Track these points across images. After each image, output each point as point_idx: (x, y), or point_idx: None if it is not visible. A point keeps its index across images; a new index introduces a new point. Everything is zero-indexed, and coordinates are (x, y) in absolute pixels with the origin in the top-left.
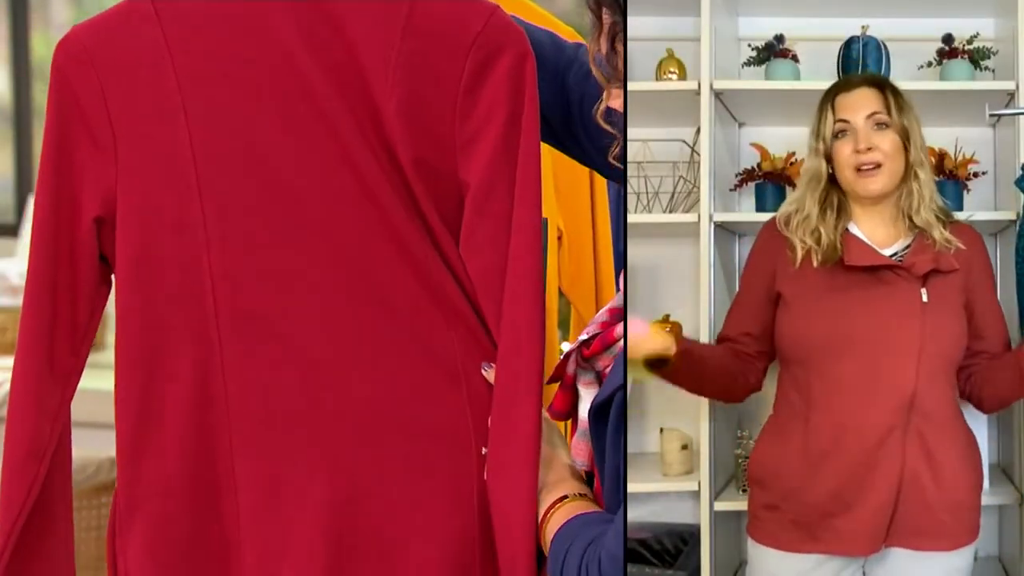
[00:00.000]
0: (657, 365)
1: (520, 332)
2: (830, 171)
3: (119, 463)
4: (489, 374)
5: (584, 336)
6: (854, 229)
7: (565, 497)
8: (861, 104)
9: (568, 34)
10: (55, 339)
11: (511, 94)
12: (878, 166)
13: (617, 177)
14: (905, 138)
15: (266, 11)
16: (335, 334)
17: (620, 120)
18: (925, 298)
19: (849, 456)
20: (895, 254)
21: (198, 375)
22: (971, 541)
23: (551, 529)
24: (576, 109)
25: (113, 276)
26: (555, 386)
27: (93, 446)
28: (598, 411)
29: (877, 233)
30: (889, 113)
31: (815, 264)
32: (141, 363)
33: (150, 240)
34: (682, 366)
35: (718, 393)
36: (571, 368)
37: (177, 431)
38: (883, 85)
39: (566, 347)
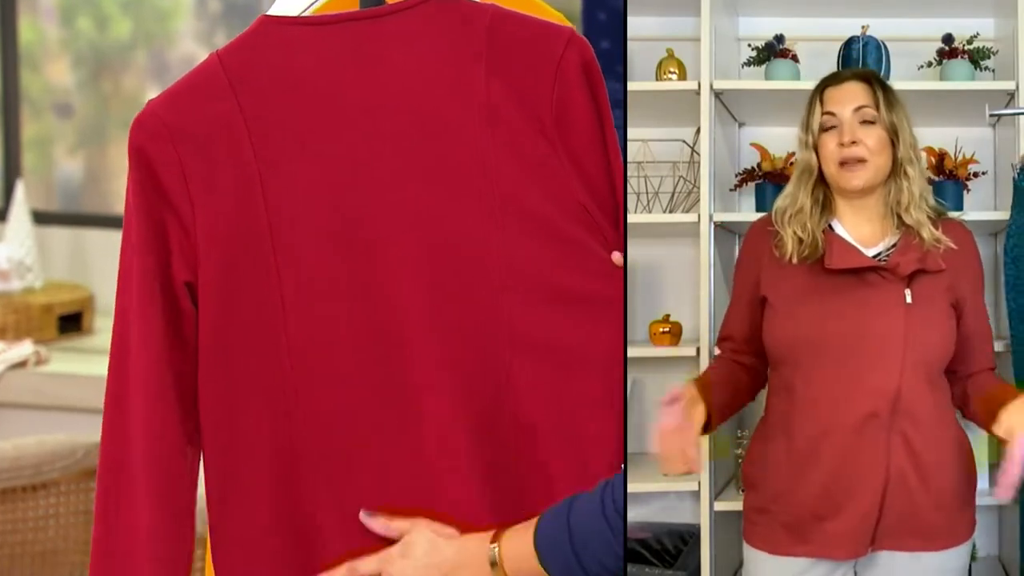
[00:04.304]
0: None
1: None
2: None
3: (211, 519)
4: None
5: None
6: (838, 227)
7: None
8: (848, 98)
9: (557, 19)
10: (184, 404)
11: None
12: (862, 161)
13: None
14: (893, 134)
15: (337, 77)
16: (409, 392)
17: None
18: (909, 299)
19: (832, 458)
20: (880, 253)
21: (278, 430)
22: (965, 540)
23: (518, 539)
24: None
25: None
26: None
27: (80, 430)
28: None
29: (862, 230)
30: (877, 108)
31: (795, 260)
32: (223, 421)
33: (229, 305)
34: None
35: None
36: None
37: (261, 485)
38: (872, 80)
39: None
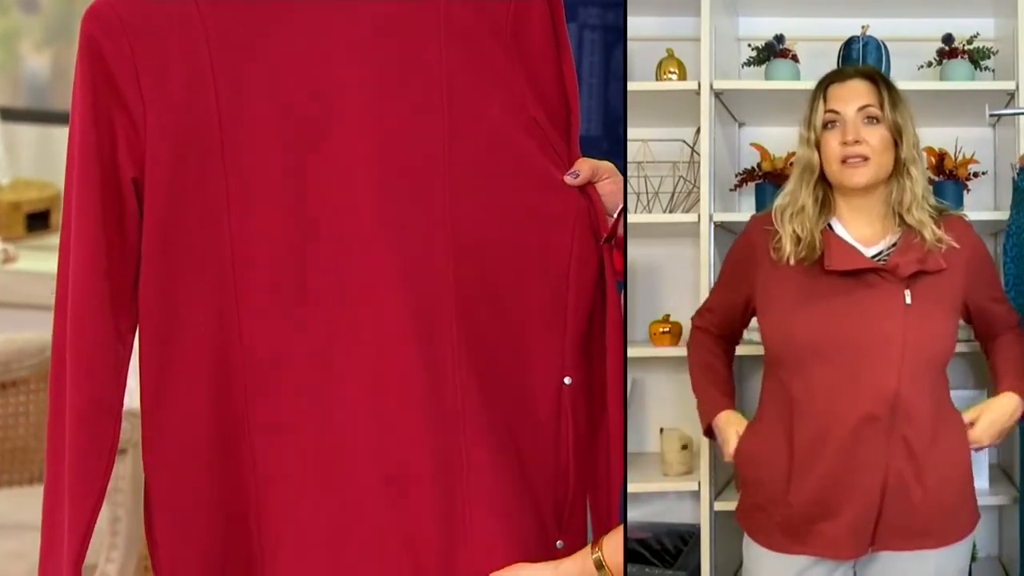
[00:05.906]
0: None
1: None
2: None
3: (143, 415)
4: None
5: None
6: (837, 226)
7: None
8: (853, 96)
9: None
10: (116, 300)
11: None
12: (865, 159)
13: None
14: (897, 134)
15: None
16: (350, 293)
17: None
18: (909, 300)
19: (830, 461)
20: (880, 252)
21: (216, 325)
22: (964, 536)
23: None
24: None
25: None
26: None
27: (49, 329)
28: None
29: (863, 230)
30: (881, 107)
31: (792, 262)
32: (162, 316)
33: (175, 200)
34: None
35: None
36: (622, 229)
37: (198, 380)
38: (877, 78)
39: None
